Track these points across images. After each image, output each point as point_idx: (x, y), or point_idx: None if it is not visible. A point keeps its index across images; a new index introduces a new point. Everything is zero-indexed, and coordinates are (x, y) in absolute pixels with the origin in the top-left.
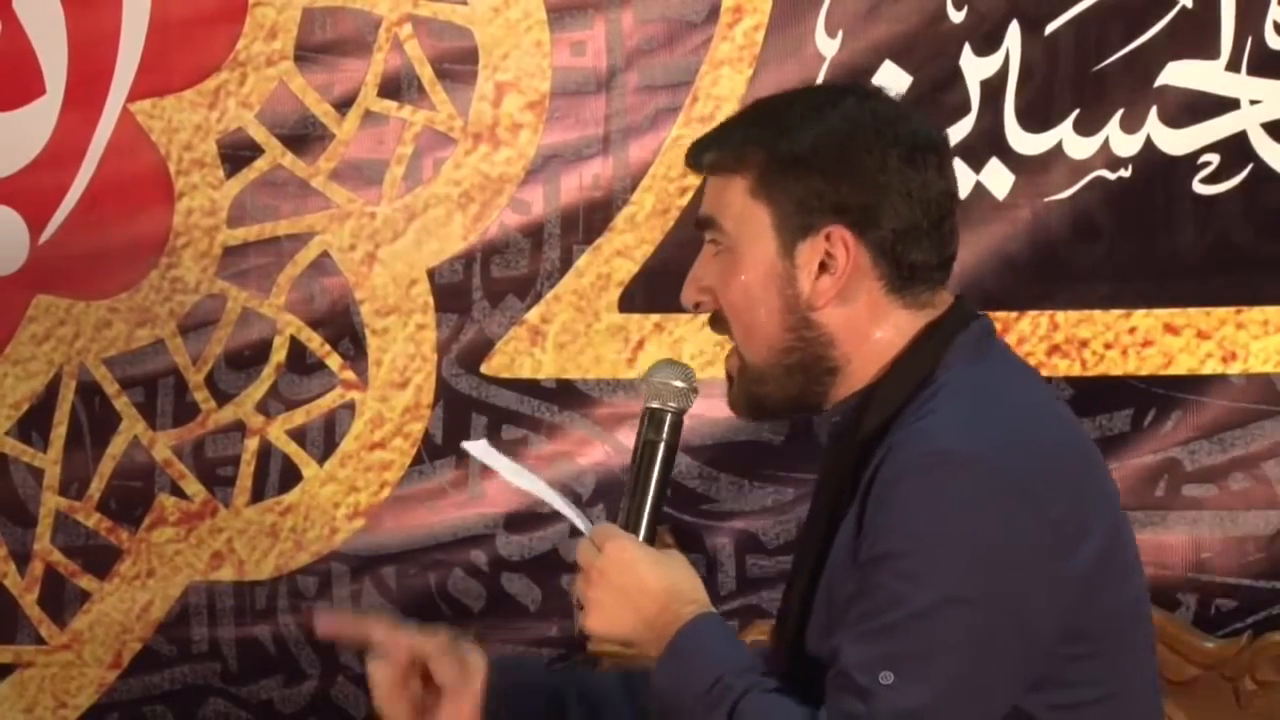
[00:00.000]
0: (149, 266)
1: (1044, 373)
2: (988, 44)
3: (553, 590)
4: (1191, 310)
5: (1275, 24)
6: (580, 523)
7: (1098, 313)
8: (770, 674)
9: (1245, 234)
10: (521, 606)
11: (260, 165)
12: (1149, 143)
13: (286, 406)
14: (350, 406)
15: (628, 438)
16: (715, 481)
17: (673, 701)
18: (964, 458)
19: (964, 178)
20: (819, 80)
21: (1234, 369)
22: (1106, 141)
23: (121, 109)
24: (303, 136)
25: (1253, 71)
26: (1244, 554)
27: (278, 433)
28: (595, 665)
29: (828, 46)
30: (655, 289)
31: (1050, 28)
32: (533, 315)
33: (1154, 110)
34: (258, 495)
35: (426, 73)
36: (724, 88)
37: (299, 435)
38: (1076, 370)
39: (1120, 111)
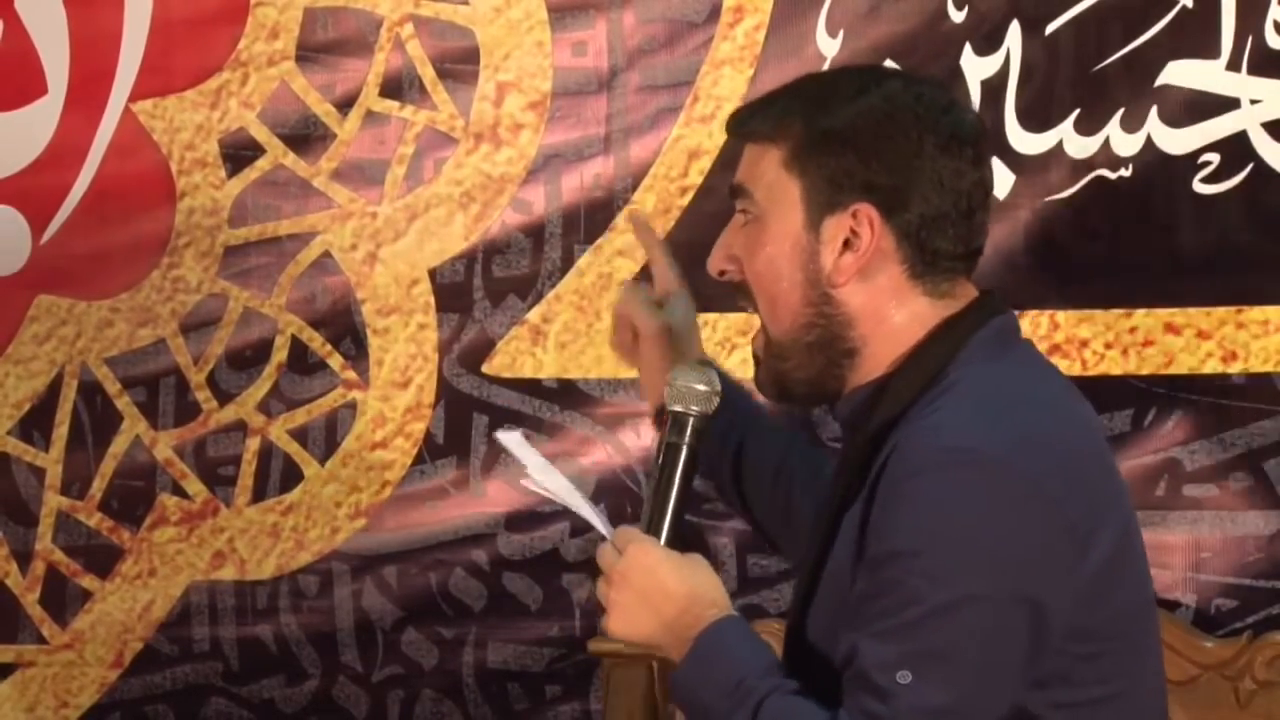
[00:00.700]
0: (150, 266)
1: None
2: (988, 44)
3: (554, 590)
4: (1192, 310)
5: (1275, 24)
6: (603, 527)
7: (1098, 312)
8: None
9: (1245, 234)
10: (523, 606)
11: (262, 165)
12: (1149, 142)
13: (288, 406)
14: (351, 406)
15: (629, 438)
16: None
17: (696, 703)
18: (978, 455)
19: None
20: None
21: (1234, 369)
22: (1107, 141)
23: (123, 109)
24: (304, 136)
25: (1253, 71)
26: (1244, 554)
27: (279, 432)
28: (596, 665)
29: (829, 46)
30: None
31: (1051, 27)
32: (534, 315)
33: (1154, 110)
34: (259, 495)
35: (428, 73)
36: (725, 88)
37: (300, 435)
38: (1077, 370)
39: (1121, 111)
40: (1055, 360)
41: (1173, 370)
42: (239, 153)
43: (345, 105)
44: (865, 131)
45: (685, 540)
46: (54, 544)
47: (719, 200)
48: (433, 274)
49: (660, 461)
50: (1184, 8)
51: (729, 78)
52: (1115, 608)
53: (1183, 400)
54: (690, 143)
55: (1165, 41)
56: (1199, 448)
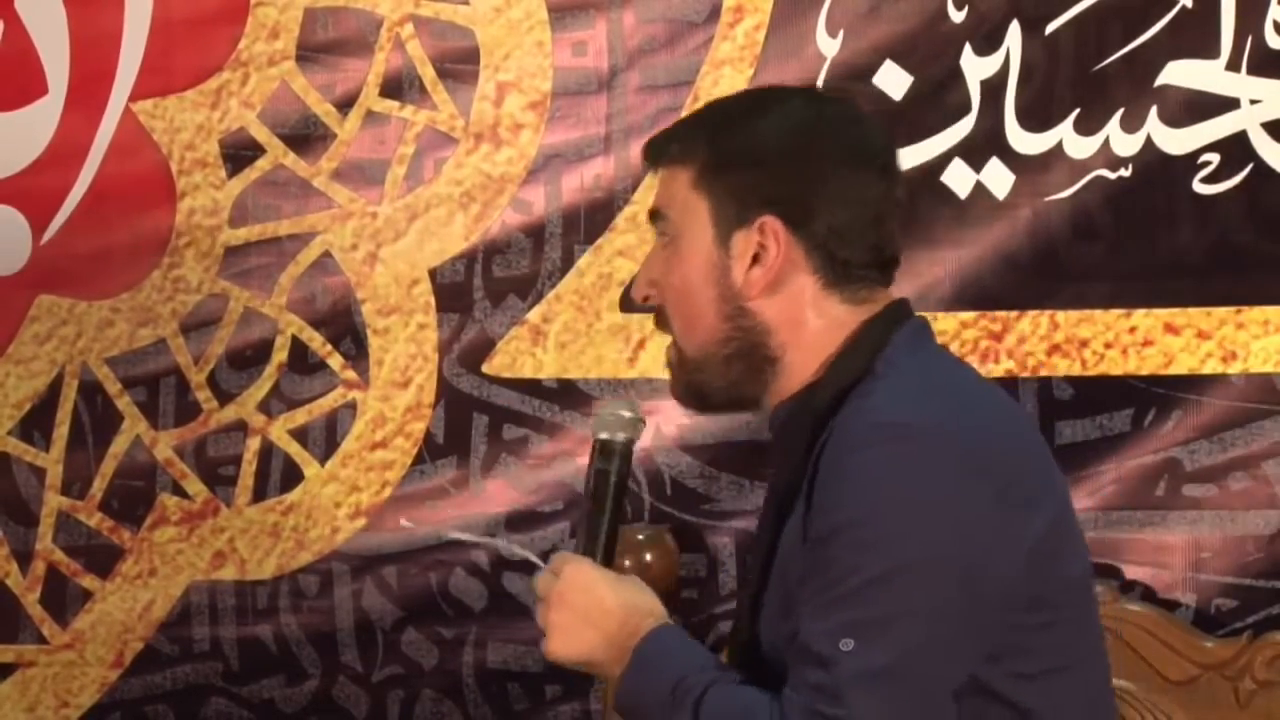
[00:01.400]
0: (151, 266)
1: (1044, 373)
2: (988, 44)
3: None
4: (1192, 310)
5: (1275, 24)
6: (536, 559)
7: (1098, 312)
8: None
9: (1245, 234)
10: (523, 606)
11: (262, 165)
12: (1149, 142)
13: (288, 406)
14: (352, 406)
15: None
16: (716, 481)
17: (640, 709)
18: (912, 427)
19: (964, 177)
20: (820, 80)
21: (1234, 369)
22: (1107, 141)
23: (124, 109)
24: (304, 136)
25: (1253, 71)
26: (1244, 554)
27: (279, 432)
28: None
29: (829, 46)
30: None
31: (1050, 27)
32: (534, 315)
33: (1154, 110)
34: (259, 495)
35: (428, 72)
36: (725, 87)
37: (300, 435)
38: (1077, 370)
39: (1120, 111)
40: (1055, 360)
41: (1173, 370)
42: (239, 153)
43: (345, 105)
44: (768, 147)
45: (684, 541)
46: (54, 544)
47: None
48: (433, 274)
49: (590, 488)
50: (1184, 8)
51: (729, 78)
52: (1063, 577)
53: (1183, 400)
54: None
55: (1165, 41)
56: (1199, 448)
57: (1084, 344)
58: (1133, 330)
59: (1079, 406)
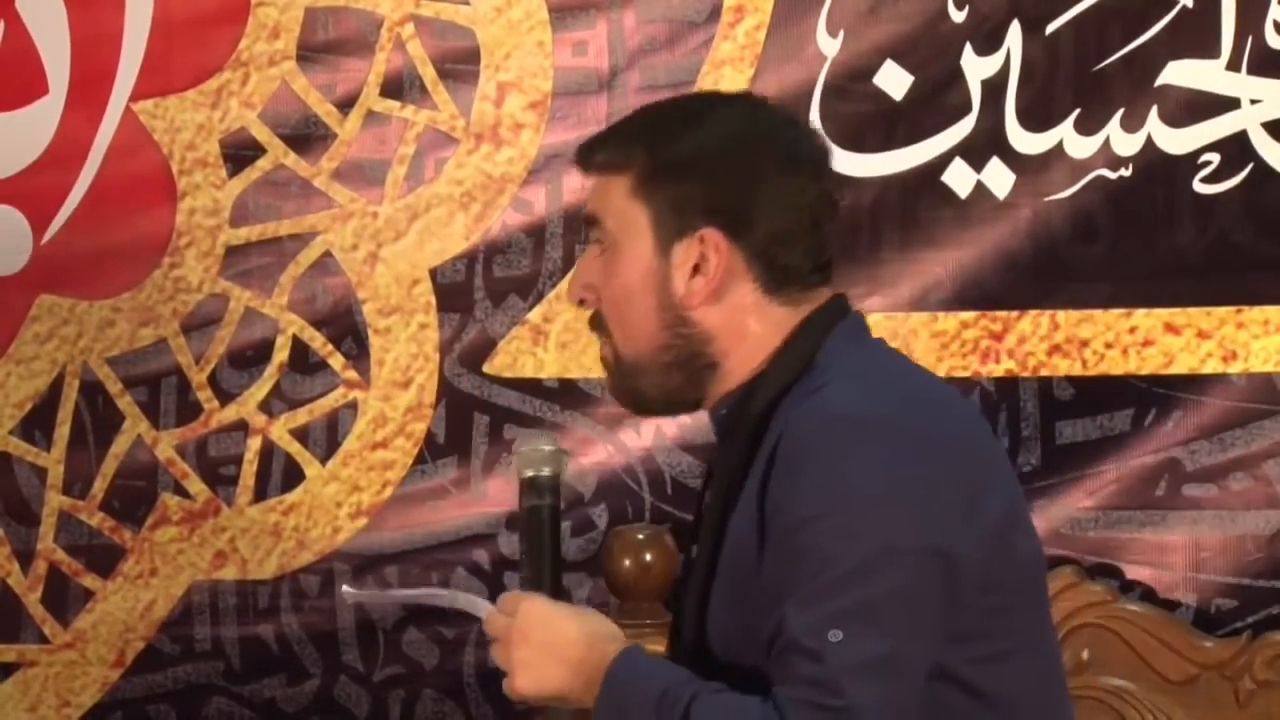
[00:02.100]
0: (152, 266)
1: (1044, 373)
2: (989, 43)
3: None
4: (1192, 310)
5: (1275, 23)
6: (480, 602)
7: (1098, 312)
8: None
9: (1246, 233)
10: None
11: (263, 165)
12: (1149, 142)
13: (289, 406)
14: (353, 406)
15: (629, 437)
16: None
17: None
18: (868, 418)
19: (965, 177)
20: (820, 81)
21: (1234, 368)
22: (1107, 141)
23: (124, 109)
24: (305, 136)
25: (1253, 71)
26: (1244, 554)
27: (280, 432)
28: None
29: (829, 46)
30: None
31: (1051, 27)
32: (535, 315)
33: (1154, 110)
34: (260, 494)
35: (429, 72)
36: (726, 87)
37: (301, 434)
38: (1077, 370)
39: (1121, 111)
40: (1056, 360)
41: (1173, 370)
42: (240, 153)
43: (346, 105)
44: (706, 157)
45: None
46: (56, 543)
47: None
48: (434, 274)
49: (525, 526)
50: (1184, 8)
51: (730, 78)
52: (1017, 559)
53: (1183, 400)
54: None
55: (1165, 41)
56: (1199, 447)
57: (1084, 344)
58: (1133, 330)
59: (1079, 406)
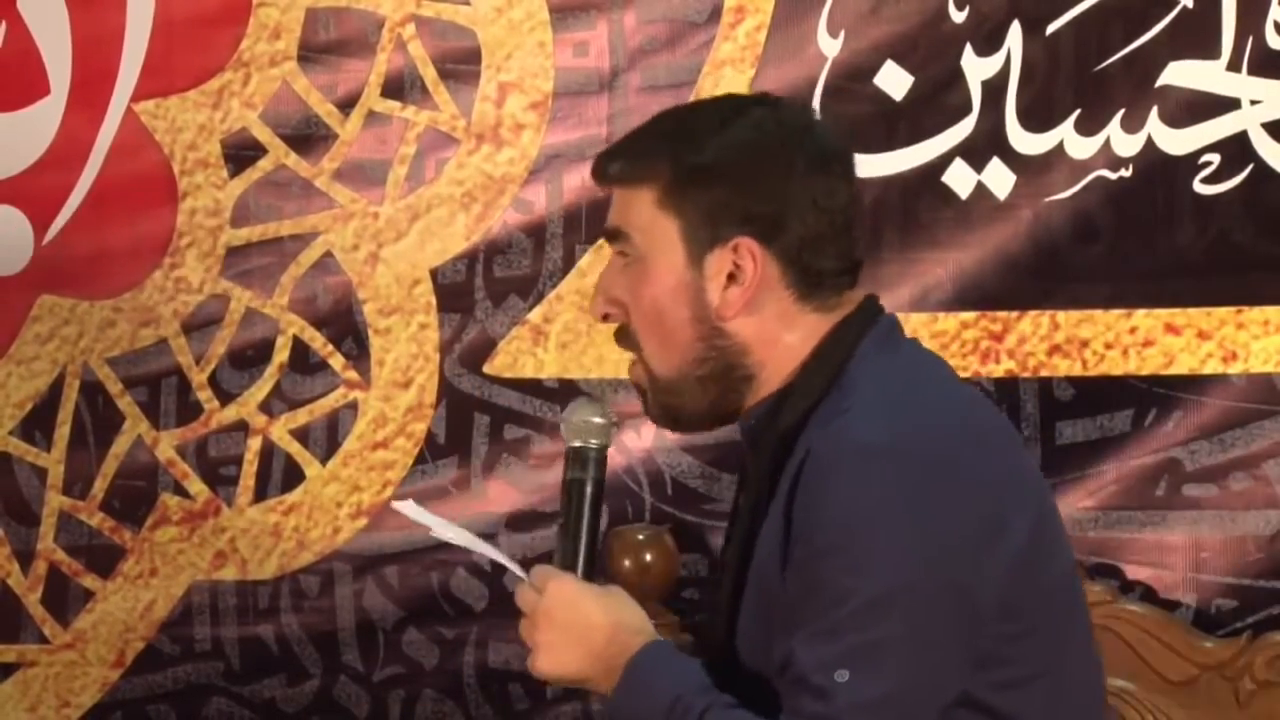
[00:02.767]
0: (153, 266)
1: (1044, 373)
2: (989, 44)
3: None
4: (1192, 310)
5: (1276, 24)
6: (517, 569)
7: (1098, 313)
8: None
9: (1246, 234)
10: None
11: (264, 165)
12: (1150, 143)
13: (289, 406)
14: (353, 406)
15: (630, 438)
16: (717, 481)
17: None
18: (890, 448)
19: (965, 178)
20: (821, 81)
21: (1234, 369)
22: (1107, 141)
23: (125, 109)
24: (306, 137)
25: (1253, 71)
26: (1244, 554)
27: (280, 432)
28: None
29: (830, 47)
30: None
31: (1051, 28)
32: (535, 315)
33: (1155, 110)
34: (260, 495)
35: (429, 73)
36: (726, 88)
37: (302, 435)
38: (1077, 370)
39: (1121, 111)
40: (1056, 360)
41: (1173, 370)
42: (241, 153)
43: (347, 105)
44: (734, 163)
45: (684, 541)
46: (56, 544)
47: None
48: (434, 274)
49: (566, 499)
50: (1184, 8)
51: (730, 78)
52: (1039, 585)
53: (1183, 400)
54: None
55: (1166, 42)
56: (1199, 448)
57: (1084, 344)
58: (1133, 330)
59: (1080, 407)
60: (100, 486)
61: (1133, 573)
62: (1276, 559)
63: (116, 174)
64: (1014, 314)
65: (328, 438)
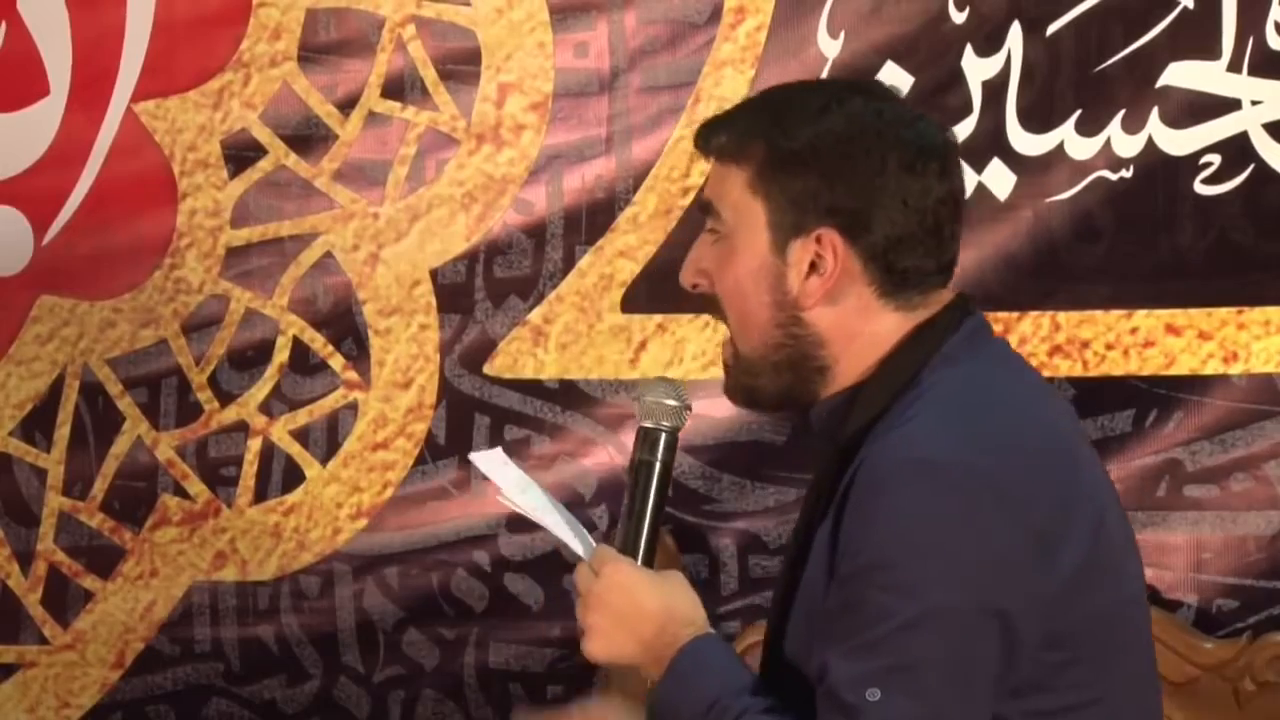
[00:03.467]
0: (153, 267)
1: (1045, 373)
2: (989, 45)
3: (555, 590)
4: (1193, 311)
5: (1276, 24)
6: (580, 548)
7: (1099, 313)
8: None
9: (1246, 234)
10: (524, 606)
11: (264, 166)
12: (1150, 143)
13: (289, 407)
14: (353, 407)
15: (630, 438)
16: (717, 482)
17: None
18: (944, 465)
19: (965, 178)
20: None
21: (1235, 369)
22: (1108, 142)
23: (125, 109)
24: (306, 137)
25: (1254, 72)
26: (1244, 554)
27: (280, 433)
28: (597, 665)
29: (830, 47)
30: (657, 289)
31: (1052, 28)
32: (535, 315)
33: (1155, 111)
34: (260, 495)
35: (430, 74)
36: (726, 88)
37: (302, 435)
38: (1078, 371)
39: (1122, 112)
40: (1056, 361)
41: (1174, 371)
42: (241, 153)
43: (347, 106)
44: (827, 153)
45: (684, 542)
46: (56, 544)
47: None
48: (434, 274)
49: (633, 481)
50: (1185, 9)
51: (730, 78)
52: (1089, 612)
53: (1184, 401)
54: (692, 144)
55: (1166, 42)
56: (1200, 448)
57: (1085, 345)
58: (1134, 331)
59: (1080, 407)
60: (100, 487)
61: None
62: (1277, 559)
63: (116, 174)
64: (1014, 314)
65: (328, 438)
